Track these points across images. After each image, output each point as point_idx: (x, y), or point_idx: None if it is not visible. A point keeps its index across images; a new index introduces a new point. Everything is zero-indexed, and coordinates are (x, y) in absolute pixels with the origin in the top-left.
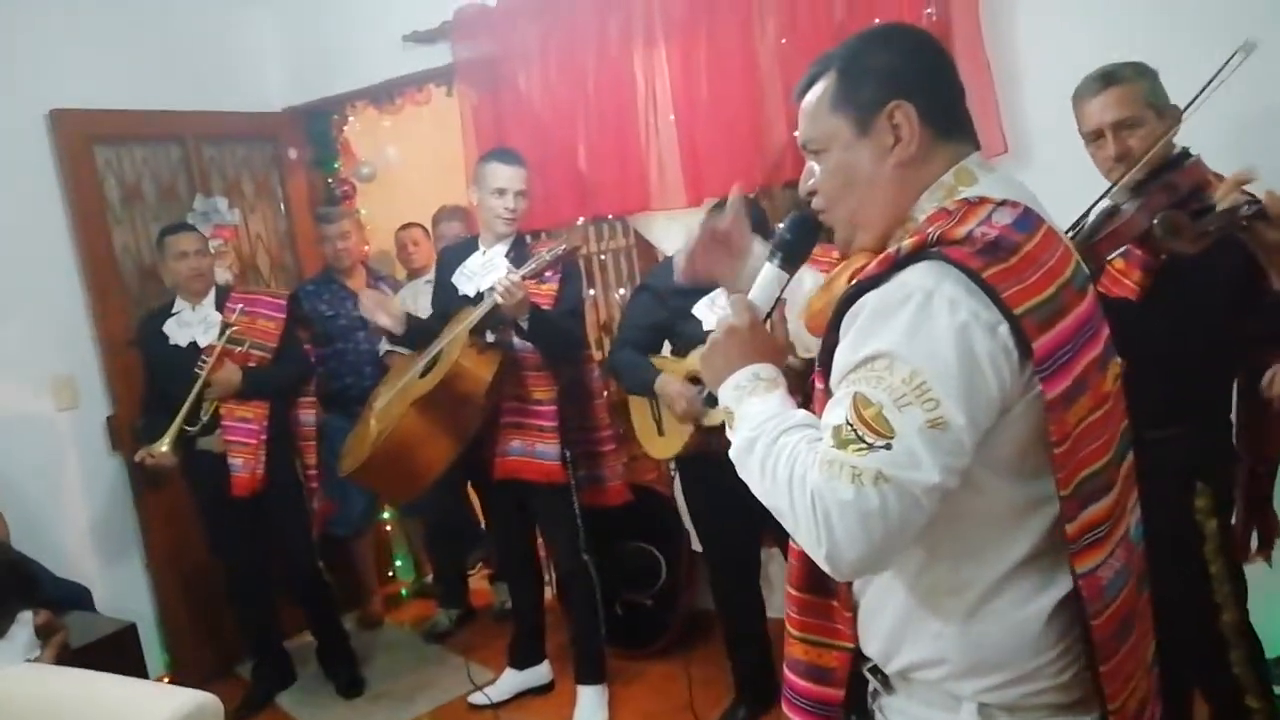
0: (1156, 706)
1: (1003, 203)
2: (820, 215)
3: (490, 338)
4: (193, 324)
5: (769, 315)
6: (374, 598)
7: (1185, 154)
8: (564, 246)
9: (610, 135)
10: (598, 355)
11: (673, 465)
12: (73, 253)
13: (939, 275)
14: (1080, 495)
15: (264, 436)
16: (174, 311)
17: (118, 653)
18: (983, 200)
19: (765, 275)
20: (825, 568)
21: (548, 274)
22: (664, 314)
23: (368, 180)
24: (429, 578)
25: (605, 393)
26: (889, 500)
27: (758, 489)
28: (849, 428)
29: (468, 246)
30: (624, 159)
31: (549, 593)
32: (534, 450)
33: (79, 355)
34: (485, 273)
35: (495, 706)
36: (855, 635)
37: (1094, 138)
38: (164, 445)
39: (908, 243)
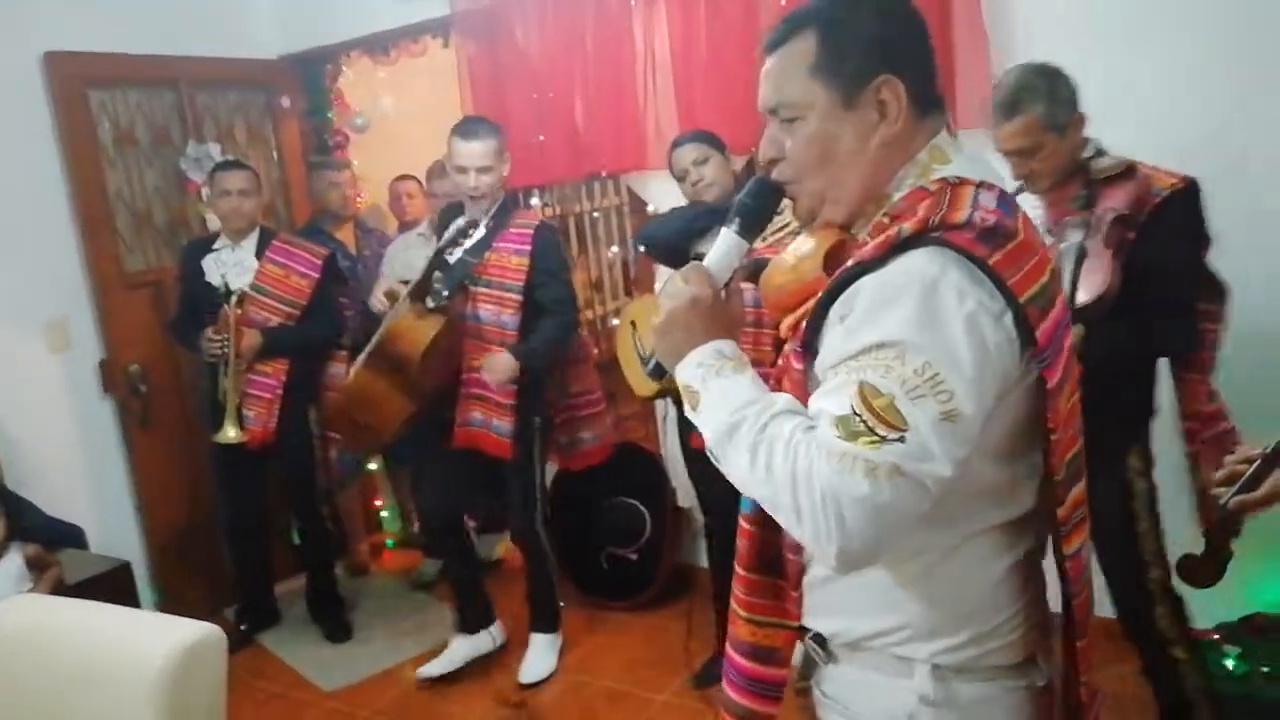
0: None
1: (982, 183)
2: (785, 185)
3: (430, 303)
4: (228, 264)
5: (726, 285)
6: (360, 547)
7: (1130, 168)
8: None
9: (608, 92)
10: (588, 315)
11: (662, 421)
12: (66, 196)
13: (943, 262)
14: (1065, 477)
15: (280, 391)
16: (215, 247)
17: (112, 591)
18: (963, 181)
19: (723, 242)
20: (831, 562)
21: (519, 246)
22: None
23: (361, 130)
24: (415, 528)
25: (595, 351)
26: (902, 492)
27: (744, 479)
28: (857, 418)
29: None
30: (620, 117)
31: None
32: (490, 424)
33: (72, 298)
34: (464, 242)
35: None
36: (800, 614)
37: (1005, 154)
38: (231, 433)
39: (909, 225)
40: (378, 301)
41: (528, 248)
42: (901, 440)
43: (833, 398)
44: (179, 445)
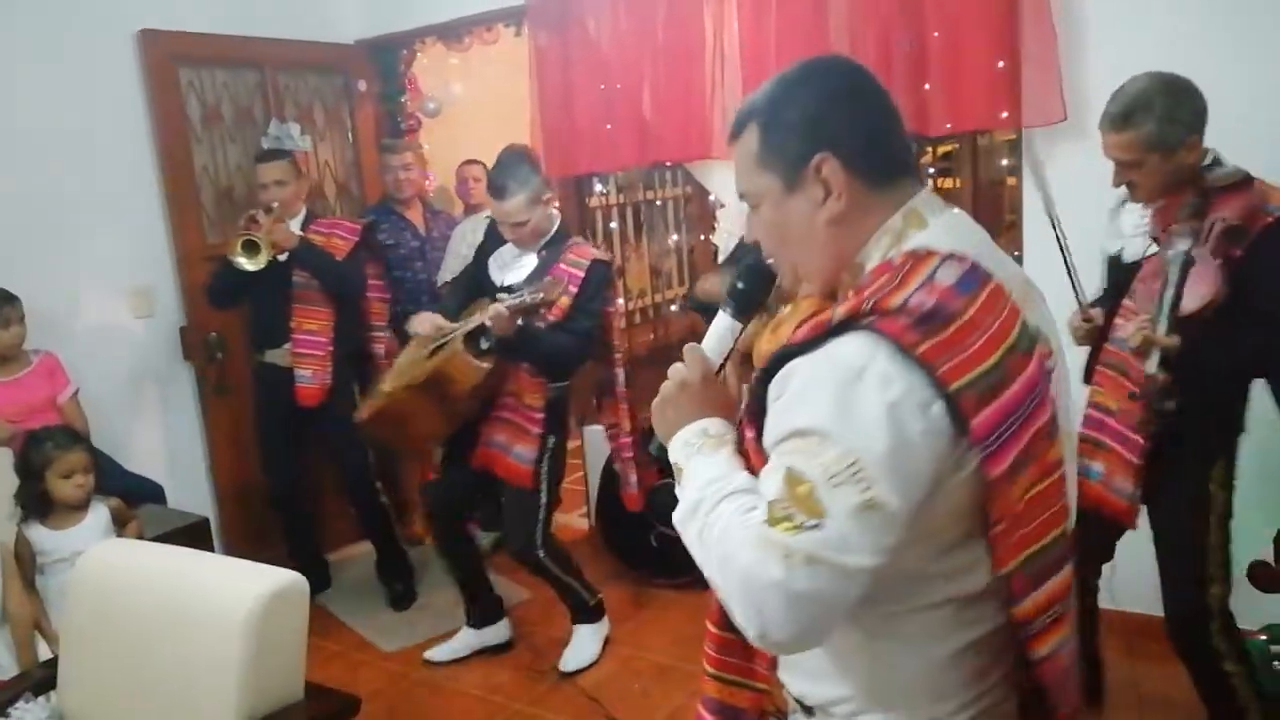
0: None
1: (949, 256)
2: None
3: (484, 345)
4: None
5: (722, 367)
6: (416, 517)
7: (1246, 180)
8: (540, 295)
9: (677, 83)
10: (644, 302)
11: None
12: (155, 169)
13: (872, 349)
14: (1030, 573)
15: (330, 349)
16: None
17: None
18: (929, 253)
19: (718, 325)
20: (757, 645)
21: (570, 287)
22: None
23: (433, 115)
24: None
25: (652, 336)
26: (820, 581)
27: (696, 558)
28: (781, 505)
29: None
30: (688, 107)
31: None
32: (512, 450)
33: (157, 268)
34: (513, 268)
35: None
36: (771, 676)
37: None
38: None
39: (841, 310)
40: (420, 327)
41: (574, 290)
42: (819, 528)
43: (768, 481)
44: (249, 413)
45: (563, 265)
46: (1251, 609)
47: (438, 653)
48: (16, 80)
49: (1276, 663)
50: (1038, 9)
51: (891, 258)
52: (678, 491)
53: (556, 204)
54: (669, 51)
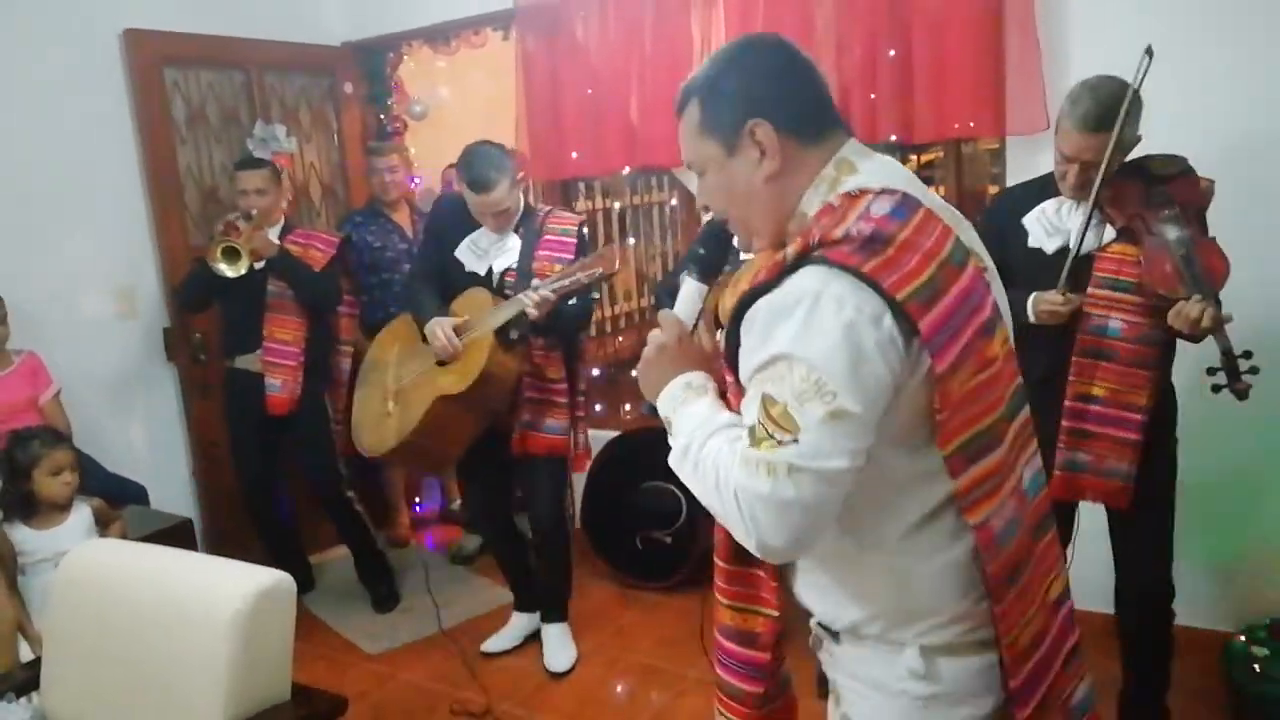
0: (1067, 634)
1: (881, 192)
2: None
3: (514, 335)
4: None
5: (695, 327)
6: (401, 520)
7: (1187, 164)
8: (599, 271)
9: (664, 89)
10: (629, 307)
11: None
12: (139, 169)
13: (825, 277)
14: (966, 453)
15: (301, 359)
16: None
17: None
18: (862, 192)
19: (686, 290)
20: (759, 555)
21: (561, 255)
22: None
23: (419, 118)
24: (455, 503)
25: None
26: (803, 488)
27: (694, 490)
28: (761, 427)
29: (465, 211)
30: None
31: None
32: (543, 425)
33: (140, 268)
34: (498, 254)
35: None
36: (779, 603)
37: (1064, 159)
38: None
39: (792, 249)
40: (441, 335)
41: (570, 257)
42: (795, 441)
43: (748, 410)
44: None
45: (549, 236)
46: (1234, 610)
47: (494, 643)
48: (1, 79)
49: (1255, 665)
50: (1022, 19)
51: (830, 201)
52: (670, 440)
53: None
54: (656, 57)
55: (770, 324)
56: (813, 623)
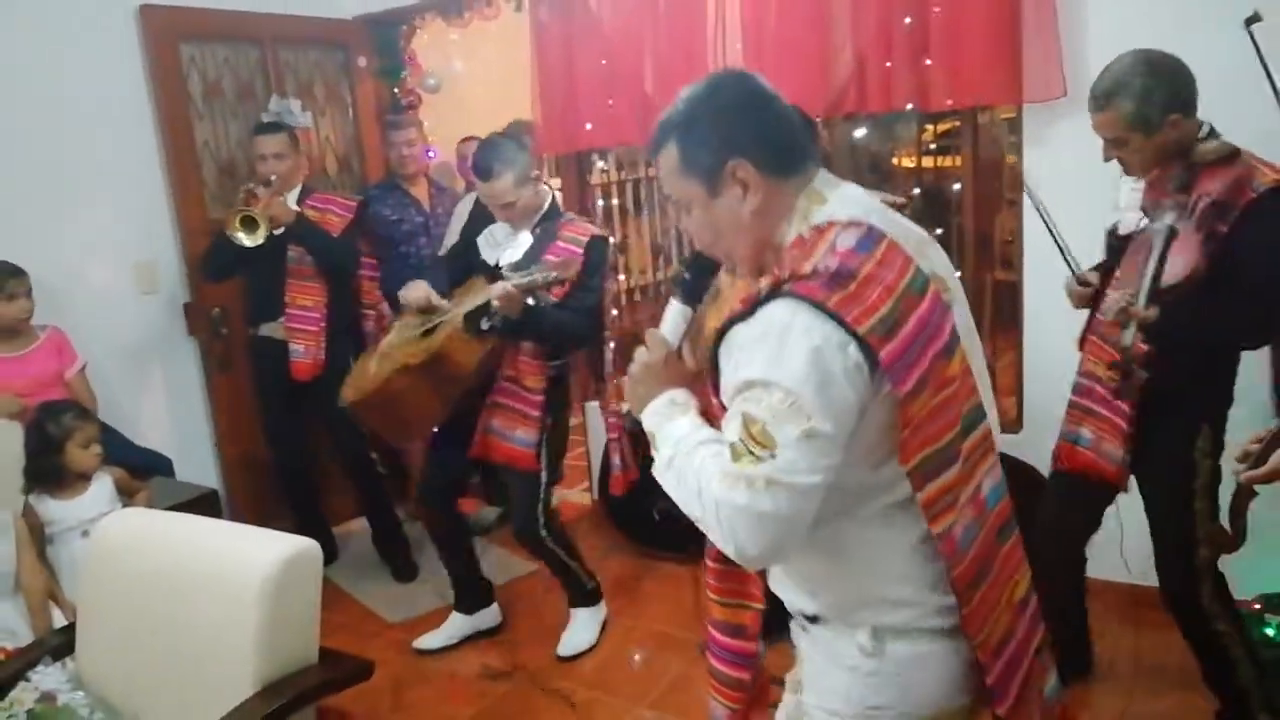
0: (1034, 631)
1: (849, 224)
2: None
3: (485, 325)
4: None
5: (680, 346)
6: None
7: (1233, 155)
8: (555, 275)
9: (678, 57)
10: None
11: None
12: (157, 144)
13: (794, 309)
14: (924, 470)
15: (323, 324)
16: None
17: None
18: (830, 224)
19: (672, 312)
20: (738, 561)
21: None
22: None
23: (433, 92)
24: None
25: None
26: (779, 501)
27: (677, 500)
28: (741, 443)
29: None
30: (690, 81)
31: None
32: (512, 435)
33: (160, 243)
34: (509, 247)
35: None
36: (763, 595)
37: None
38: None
39: (765, 281)
40: (413, 294)
41: (578, 262)
42: (774, 457)
43: (729, 427)
44: (251, 386)
45: (560, 242)
46: (1249, 577)
47: (428, 640)
48: (19, 56)
49: (1269, 629)
50: None
51: (801, 233)
52: (653, 452)
53: (547, 181)
54: (671, 26)
55: (747, 350)
56: (793, 611)
